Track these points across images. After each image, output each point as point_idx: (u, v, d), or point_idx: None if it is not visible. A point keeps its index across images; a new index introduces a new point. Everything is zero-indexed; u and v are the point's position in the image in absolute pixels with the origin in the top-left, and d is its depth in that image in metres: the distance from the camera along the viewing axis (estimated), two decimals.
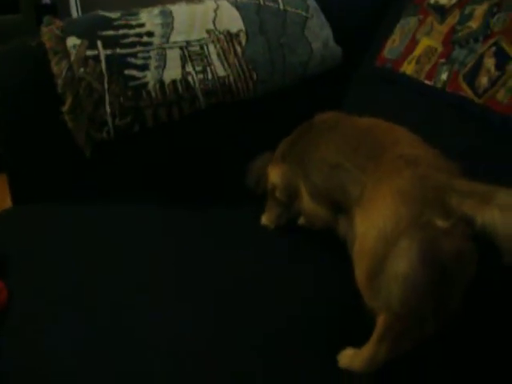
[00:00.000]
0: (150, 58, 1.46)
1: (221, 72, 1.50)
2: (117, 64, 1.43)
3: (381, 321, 0.95)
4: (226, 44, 1.52)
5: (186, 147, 1.55)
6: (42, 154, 1.49)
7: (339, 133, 1.17)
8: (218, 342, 1.01)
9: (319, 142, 1.18)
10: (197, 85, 1.48)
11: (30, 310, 1.11)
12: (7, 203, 1.54)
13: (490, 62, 1.17)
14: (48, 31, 1.47)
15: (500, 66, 1.15)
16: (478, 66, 1.19)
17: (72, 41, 1.43)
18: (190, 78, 1.47)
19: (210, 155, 1.56)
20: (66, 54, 1.43)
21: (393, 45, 1.46)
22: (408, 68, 1.37)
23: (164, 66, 1.46)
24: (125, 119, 1.44)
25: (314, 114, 1.27)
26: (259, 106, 1.57)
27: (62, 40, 1.44)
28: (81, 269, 1.20)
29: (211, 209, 1.43)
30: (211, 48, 1.51)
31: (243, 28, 1.54)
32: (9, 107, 1.47)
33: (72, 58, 1.42)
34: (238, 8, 1.57)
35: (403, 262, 0.89)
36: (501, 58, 1.16)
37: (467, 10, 1.28)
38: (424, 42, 1.35)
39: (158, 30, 1.48)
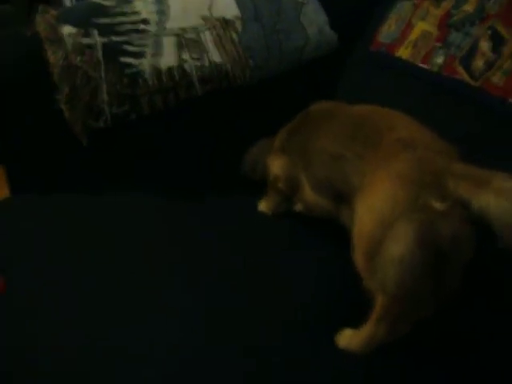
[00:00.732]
0: (146, 45, 1.45)
1: (217, 59, 1.50)
2: (113, 52, 1.43)
3: (379, 302, 0.96)
4: (221, 31, 1.52)
5: (182, 135, 1.55)
6: (39, 144, 1.48)
7: (336, 122, 1.17)
8: (214, 332, 1.02)
9: (317, 132, 1.18)
10: (193, 72, 1.47)
11: (26, 297, 1.11)
12: (5, 193, 1.54)
13: (485, 45, 1.18)
14: (43, 20, 1.46)
15: (496, 49, 1.16)
16: (473, 49, 1.19)
17: (67, 29, 1.43)
18: (186, 65, 1.47)
19: (207, 142, 1.56)
20: (61, 42, 1.42)
21: (388, 29, 1.47)
22: (404, 52, 1.37)
23: (160, 54, 1.46)
24: (122, 107, 1.44)
25: (310, 99, 1.28)
26: (256, 92, 1.57)
27: (58, 29, 1.44)
28: (76, 257, 1.20)
29: (208, 196, 1.43)
30: (207, 35, 1.51)
31: (239, 14, 1.54)
32: (5, 97, 1.47)
33: (68, 46, 1.41)
34: None
35: (399, 245, 0.90)
36: (496, 40, 1.16)
37: None
38: (420, 27, 1.36)
39: (153, 18, 1.48)
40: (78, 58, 1.40)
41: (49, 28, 1.43)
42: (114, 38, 1.44)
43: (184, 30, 1.49)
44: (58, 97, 1.41)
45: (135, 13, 1.47)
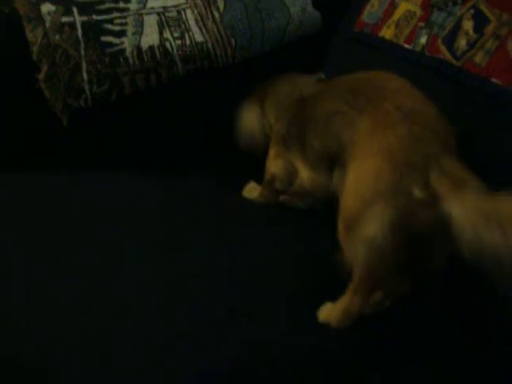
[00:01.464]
0: (126, 24, 1.43)
1: (199, 38, 1.48)
2: (93, 30, 1.41)
3: (356, 274, 0.97)
4: (203, 10, 1.51)
5: (164, 114, 1.54)
6: (19, 123, 1.47)
7: (339, 84, 1.16)
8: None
9: (318, 101, 1.16)
10: (175, 51, 1.46)
11: (19, 276, 1.10)
12: None
13: (468, 25, 1.17)
14: None
15: (478, 29, 1.16)
16: (456, 28, 1.19)
17: (46, 7, 1.40)
18: (167, 44, 1.45)
19: (189, 122, 1.55)
20: (40, 20, 1.40)
21: (371, 9, 1.46)
22: (387, 32, 1.37)
23: (141, 32, 1.44)
24: (102, 86, 1.42)
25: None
26: (238, 71, 1.56)
27: (37, 6, 1.41)
28: (58, 236, 1.19)
29: (192, 178, 1.43)
30: (189, 13, 1.49)
31: None
32: None
33: (47, 24, 1.39)
34: None
35: (373, 227, 0.90)
36: (479, 20, 1.16)
37: None
38: (403, 6, 1.35)
39: None
40: (57, 37, 1.38)
41: (28, 5, 1.41)
42: (95, 17, 1.42)
43: (165, 8, 1.48)
44: (38, 76, 1.39)
45: None
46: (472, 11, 1.17)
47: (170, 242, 1.17)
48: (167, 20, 1.47)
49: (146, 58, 1.44)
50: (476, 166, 0.95)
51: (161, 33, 1.45)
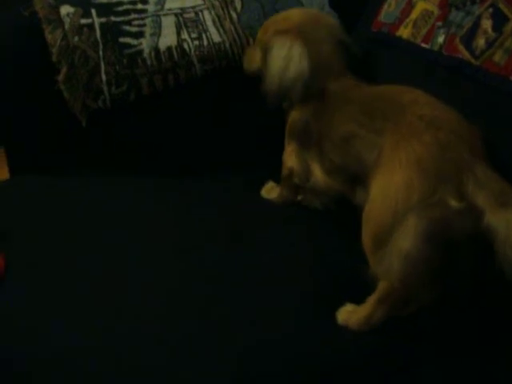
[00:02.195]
0: (144, 25, 1.44)
1: (216, 38, 1.49)
2: (111, 32, 1.42)
3: (382, 285, 0.96)
4: (221, 10, 1.51)
5: (182, 115, 1.55)
6: (39, 125, 1.48)
7: (352, 103, 1.13)
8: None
9: (333, 118, 1.14)
10: (192, 51, 1.47)
11: (26, 278, 1.11)
12: (5, 175, 1.54)
13: (487, 24, 1.16)
14: (41, 0, 1.46)
15: (497, 28, 1.14)
16: (475, 27, 1.18)
17: (65, 9, 1.42)
18: (185, 45, 1.46)
19: (206, 122, 1.55)
20: (59, 22, 1.41)
21: (389, 9, 1.45)
22: (404, 32, 1.36)
23: (159, 34, 1.45)
24: (121, 87, 1.43)
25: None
26: None
27: (56, 8, 1.43)
28: (75, 238, 1.21)
29: (207, 178, 1.43)
30: (206, 14, 1.50)
31: None
32: (4, 78, 1.46)
33: (66, 26, 1.40)
34: None
35: (408, 240, 0.89)
36: (498, 19, 1.15)
37: None
38: (420, 6, 1.34)
39: None
40: (76, 38, 1.39)
41: (47, 7, 1.42)
42: (113, 18, 1.43)
43: (183, 9, 1.48)
44: (58, 77, 1.41)
45: None
46: (491, 10, 1.16)
47: (185, 243, 1.18)
48: (185, 21, 1.48)
49: (163, 59, 1.45)
50: (495, 165, 0.95)
51: (178, 34, 1.46)
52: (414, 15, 1.35)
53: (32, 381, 0.96)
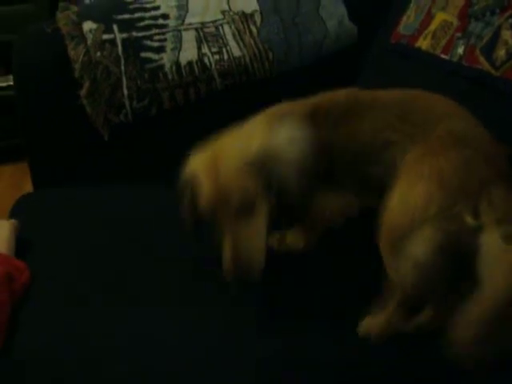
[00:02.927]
0: (165, 40, 1.46)
1: (236, 52, 1.50)
2: (133, 47, 1.44)
3: (398, 288, 0.97)
4: (241, 24, 1.52)
5: (203, 129, 1.55)
6: (61, 139, 1.50)
7: (380, 108, 1.09)
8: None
9: (359, 127, 1.08)
10: (213, 66, 1.48)
11: (51, 290, 1.13)
12: (28, 189, 1.56)
13: (507, 34, 1.16)
14: (64, 16, 1.49)
15: None
16: (495, 38, 1.18)
17: (88, 25, 1.44)
18: (205, 59, 1.48)
19: None
20: (82, 38, 1.44)
21: (408, 21, 1.46)
22: (424, 43, 1.36)
23: (180, 48, 1.47)
24: (142, 102, 1.45)
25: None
26: (275, 85, 1.57)
27: (78, 25, 1.46)
28: (98, 250, 1.22)
29: None
30: (226, 29, 1.51)
31: (258, 8, 1.54)
32: (28, 94, 1.49)
33: (89, 42, 1.43)
34: None
35: (424, 250, 0.90)
36: None
37: None
38: (439, 17, 1.34)
39: (172, 12, 1.49)
40: (99, 54, 1.42)
41: (70, 24, 1.45)
42: (134, 34, 1.45)
43: (203, 24, 1.50)
44: (80, 92, 1.43)
45: (155, 8, 1.49)
46: (510, 21, 1.16)
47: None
48: (205, 35, 1.49)
49: (184, 73, 1.46)
50: None
51: (199, 48, 1.48)
52: (433, 26, 1.35)
53: None
